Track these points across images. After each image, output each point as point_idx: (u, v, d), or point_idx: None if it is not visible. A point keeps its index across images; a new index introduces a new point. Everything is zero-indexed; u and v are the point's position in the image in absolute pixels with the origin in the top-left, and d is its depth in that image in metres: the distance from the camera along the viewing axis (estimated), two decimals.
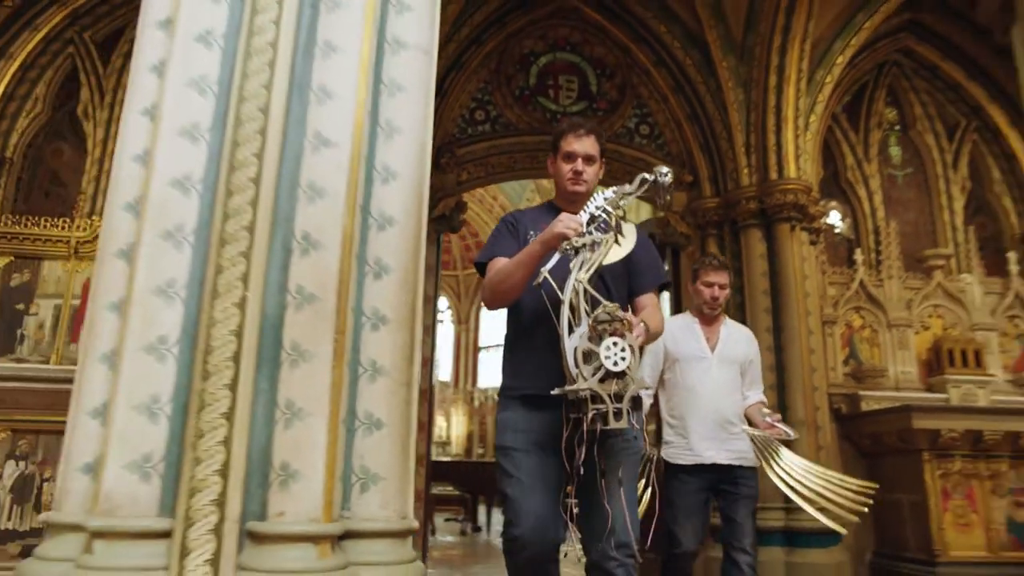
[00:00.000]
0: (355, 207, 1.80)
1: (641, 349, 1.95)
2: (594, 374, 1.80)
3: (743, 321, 5.08)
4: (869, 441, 5.28)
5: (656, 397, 3.31)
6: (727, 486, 3.13)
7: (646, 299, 2.24)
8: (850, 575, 4.81)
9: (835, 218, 6.42)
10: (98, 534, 1.51)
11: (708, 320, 3.29)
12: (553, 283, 1.92)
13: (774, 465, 3.10)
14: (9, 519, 3.96)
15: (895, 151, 6.56)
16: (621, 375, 1.80)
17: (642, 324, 1.93)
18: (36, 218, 4.84)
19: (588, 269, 1.92)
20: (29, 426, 4.11)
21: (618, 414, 1.78)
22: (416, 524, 1.83)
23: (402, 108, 1.99)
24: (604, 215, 2.01)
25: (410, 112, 2.00)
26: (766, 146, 5.41)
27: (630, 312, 2.09)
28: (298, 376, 1.63)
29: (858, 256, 5.87)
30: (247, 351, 1.60)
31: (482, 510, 9.58)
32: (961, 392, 5.46)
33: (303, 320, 1.67)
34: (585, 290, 1.89)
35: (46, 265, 4.86)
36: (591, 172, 2.26)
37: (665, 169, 2.06)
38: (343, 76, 1.87)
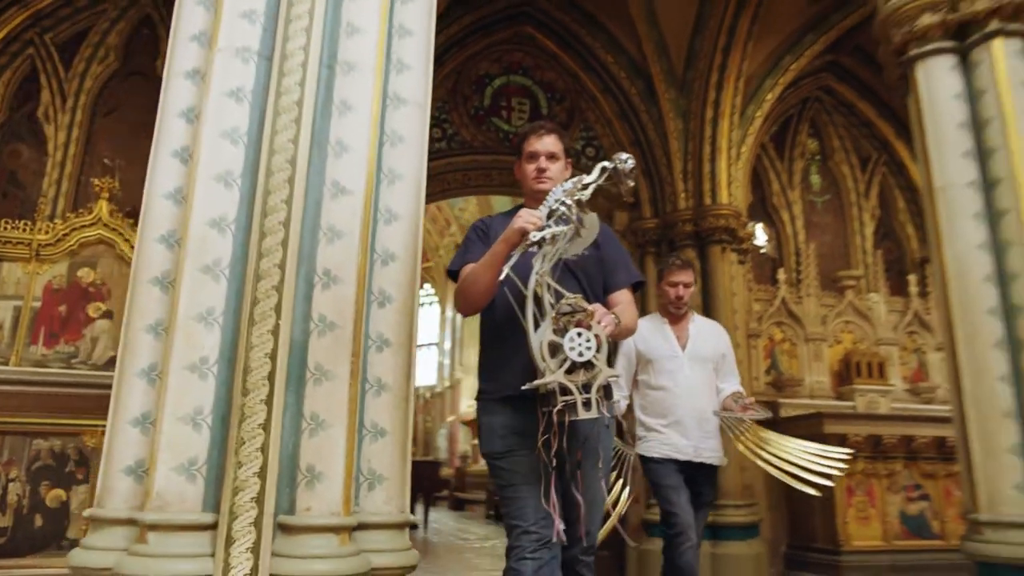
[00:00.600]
0: (367, 246, 2.10)
1: (614, 343, 1.98)
2: (561, 366, 1.81)
3: None
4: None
5: (631, 398, 3.35)
6: (695, 486, 3.18)
7: (620, 296, 2.24)
8: (767, 565, 5.33)
9: (761, 238, 6.99)
10: (152, 527, 1.78)
11: (676, 319, 3.34)
12: (516, 279, 1.96)
13: (744, 440, 3.28)
14: None
15: (816, 179, 7.18)
16: (588, 365, 1.81)
17: (611, 315, 1.95)
18: None
19: (549, 261, 1.93)
20: None
21: (587, 404, 1.79)
22: (413, 517, 2.15)
23: (402, 157, 2.29)
24: (563, 208, 1.99)
25: (409, 160, 2.31)
26: (702, 173, 5.90)
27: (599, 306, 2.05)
28: (321, 392, 1.93)
29: (780, 275, 6.44)
30: (280, 371, 1.88)
31: (419, 508, 9.83)
32: (866, 400, 6.08)
33: (325, 345, 1.96)
34: (549, 284, 1.91)
35: (6, 267, 4.90)
36: (555, 169, 2.27)
37: (625, 155, 2.07)
38: (357, 131, 2.16)
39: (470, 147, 6.09)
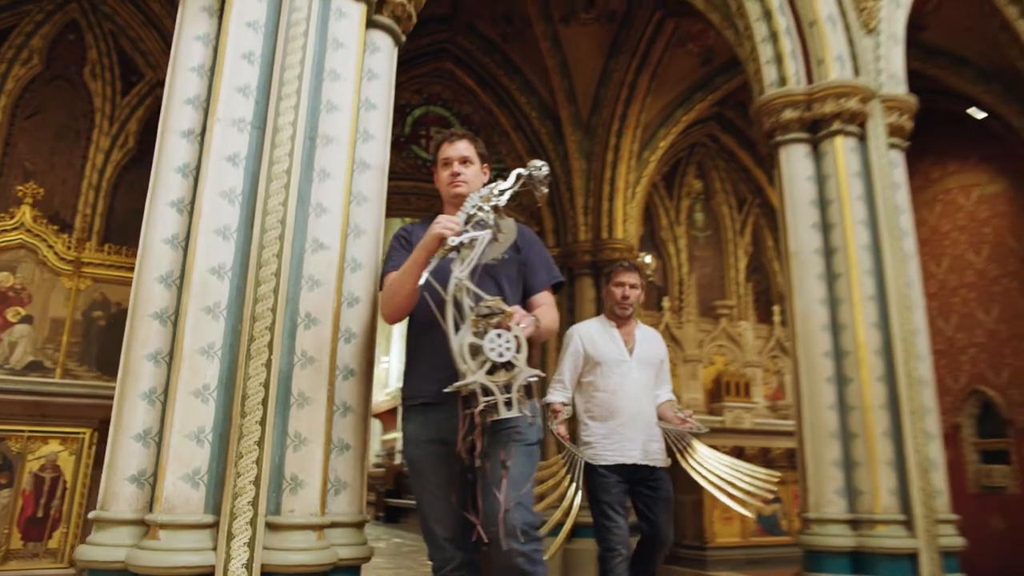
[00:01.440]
0: (339, 292, 2.53)
1: (531, 341, 2.00)
2: (482, 367, 1.85)
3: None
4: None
5: (574, 401, 3.35)
6: (646, 488, 3.18)
7: (540, 297, 2.27)
8: None
9: (648, 261, 7.75)
10: (162, 526, 2.14)
11: (622, 322, 3.36)
12: (436, 284, 2.01)
13: (688, 458, 3.26)
14: None
15: (699, 216, 8.05)
16: (509, 365, 1.86)
17: (530, 317, 1.99)
18: None
19: (467, 266, 1.96)
20: None
21: (508, 403, 1.84)
22: (367, 517, 2.59)
23: (366, 214, 2.74)
24: (480, 213, 2.02)
25: (371, 217, 2.76)
26: (600, 210, 6.58)
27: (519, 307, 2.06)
28: (303, 415, 2.34)
29: (665, 303, 7.22)
30: (271, 397, 2.29)
31: None
32: (733, 416, 6.94)
33: (306, 375, 2.38)
34: (468, 288, 1.94)
35: None
36: (469, 173, 2.31)
37: (540, 163, 2.14)
38: (333, 195, 2.59)
39: (392, 173, 6.45)
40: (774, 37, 4.04)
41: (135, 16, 5.72)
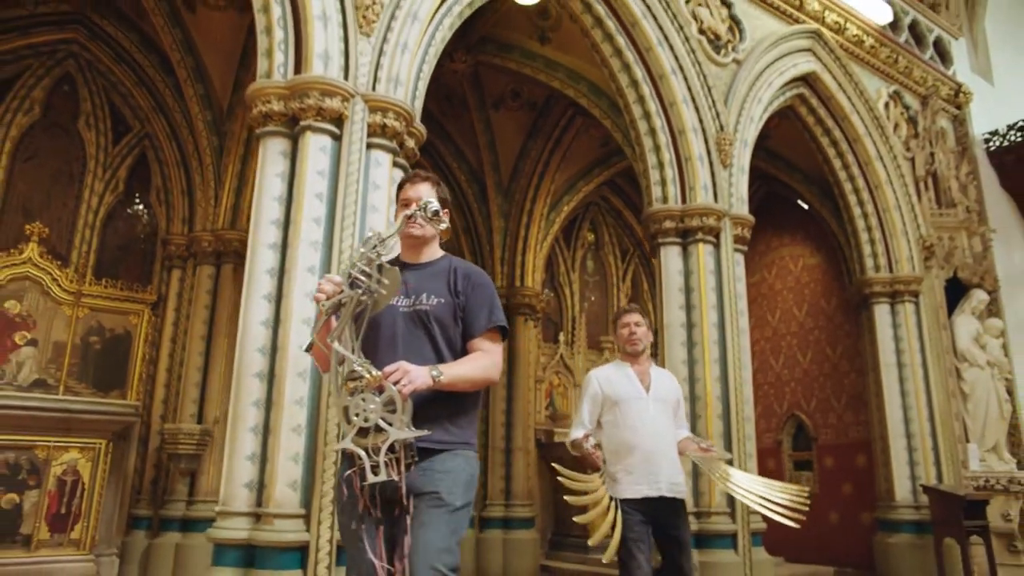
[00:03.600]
0: None
1: (459, 393, 2.02)
2: (353, 431, 1.85)
3: None
4: (558, 460, 8.03)
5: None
6: (669, 527, 3.27)
7: (475, 343, 2.15)
8: (540, 546, 7.51)
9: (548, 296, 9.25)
10: (275, 516, 3.32)
11: (636, 362, 3.44)
12: (324, 347, 1.97)
13: (726, 481, 3.35)
14: None
15: (590, 264, 9.65)
16: (379, 428, 1.82)
17: (418, 372, 1.90)
18: None
19: (339, 329, 1.92)
20: None
21: (375, 468, 1.81)
22: None
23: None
24: (360, 275, 1.95)
25: None
26: (515, 262, 8.00)
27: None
28: None
29: (561, 337, 8.75)
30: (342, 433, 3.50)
31: None
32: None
33: None
34: (337, 351, 1.91)
35: None
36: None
37: (425, 200, 2.17)
38: None
39: None
40: (660, 167, 5.61)
41: (128, 75, 6.54)
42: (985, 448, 6.92)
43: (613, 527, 3.18)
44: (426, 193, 2.26)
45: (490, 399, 7.79)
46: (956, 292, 7.46)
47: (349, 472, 1.94)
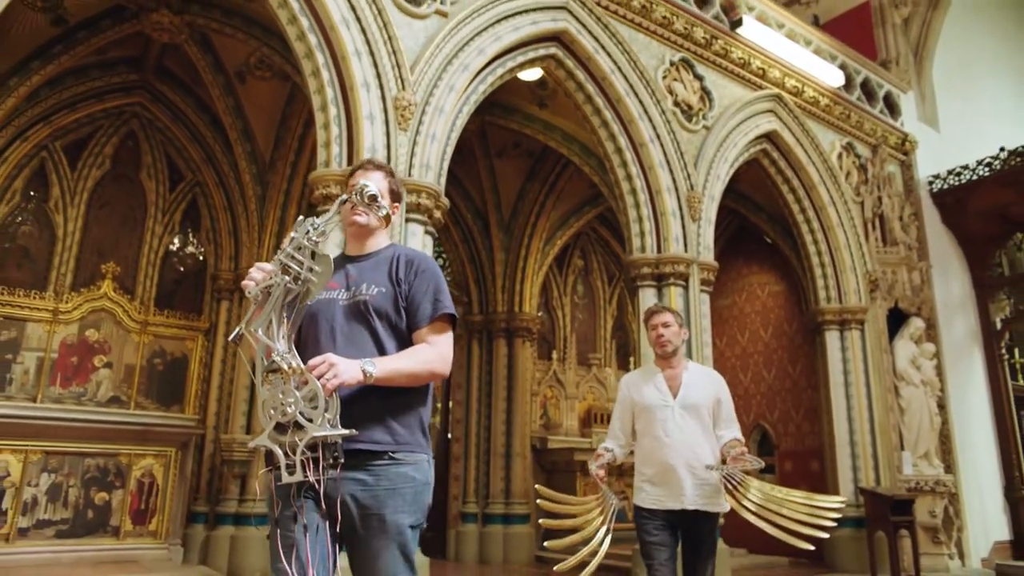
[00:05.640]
0: None
1: (403, 389, 1.90)
2: (271, 426, 1.74)
3: (488, 394, 8.67)
4: (550, 464, 9.19)
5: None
6: (692, 535, 3.17)
7: (421, 334, 2.00)
8: (535, 540, 8.60)
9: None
10: None
11: (669, 365, 3.30)
12: (252, 338, 1.83)
13: (741, 499, 3.07)
14: (45, 512, 5.88)
15: (580, 288, 10.76)
16: (298, 425, 1.71)
17: (348, 366, 1.77)
18: (16, 290, 6.53)
19: (264, 319, 1.81)
20: (58, 449, 6.04)
21: (291, 468, 1.70)
22: None
23: None
24: (292, 263, 1.83)
25: None
26: (514, 290, 9.09)
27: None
28: None
29: (554, 355, 9.84)
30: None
31: None
32: (597, 439, 9.66)
33: None
34: (261, 340, 1.80)
35: (30, 326, 6.58)
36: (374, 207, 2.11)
37: (361, 183, 2.05)
38: None
39: None
40: (639, 221, 6.72)
41: (183, 132, 7.59)
42: (917, 455, 8.07)
43: (593, 554, 3.11)
44: (375, 181, 2.13)
45: (492, 410, 8.89)
46: (897, 319, 8.60)
47: (264, 471, 1.83)
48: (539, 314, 9.83)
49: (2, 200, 6.75)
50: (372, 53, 5.16)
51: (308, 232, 1.87)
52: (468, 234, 9.21)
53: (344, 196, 2.04)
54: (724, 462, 3.17)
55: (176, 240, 7.60)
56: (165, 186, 7.59)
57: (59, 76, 6.62)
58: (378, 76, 5.16)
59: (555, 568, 3.24)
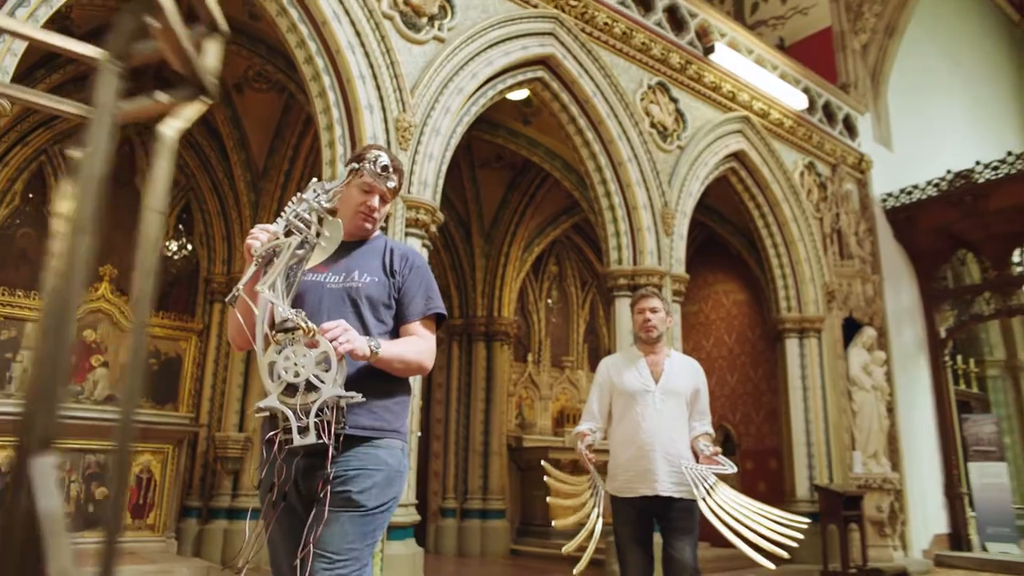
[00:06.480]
0: None
1: (391, 376, 1.89)
2: (280, 388, 1.70)
3: (468, 394, 9.07)
4: (525, 463, 9.62)
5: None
6: (665, 521, 3.13)
7: (411, 328, 2.01)
8: (509, 533, 9.03)
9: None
10: None
11: (652, 351, 3.28)
12: (249, 300, 1.80)
13: (708, 500, 3.00)
14: None
15: (555, 293, 11.21)
16: (312, 387, 1.69)
17: (356, 335, 1.78)
18: (16, 291, 6.74)
19: (272, 276, 1.77)
20: (58, 446, 6.26)
21: (303, 430, 1.67)
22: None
23: None
24: (300, 223, 1.81)
25: None
26: (493, 295, 9.50)
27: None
28: None
29: (529, 357, 10.28)
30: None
31: None
32: (569, 438, 10.12)
33: None
34: (270, 301, 1.77)
35: (28, 326, 6.78)
36: (383, 212, 2.11)
37: (375, 153, 2.00)
38: None
39: None
40: (617, 235, 7.18)
41: (179, 139, 7.81)
42: (867, 455, 8.70)
43: (590, 537, 3.06)
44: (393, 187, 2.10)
45: (470, 410, 9.30)
46: (851, 328, 9.22)
47: (271, 434, 1.77)
48: (515, 318, 10.26)
49: (2, 203, 6.93)
50: (375, 76, 5.52)
51: (318, 195, 1.85)
52: (450, 241, 9.58)
53: (355, 164, 2.03)
54: (697, 459, 3.17)
55: (171, 244, 7.83)
56: None
57: (62, 84, 6.83)
58: (380, 99, 5.52)
59: (563, 550, 3.30)
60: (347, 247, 2.04)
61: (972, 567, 8.88)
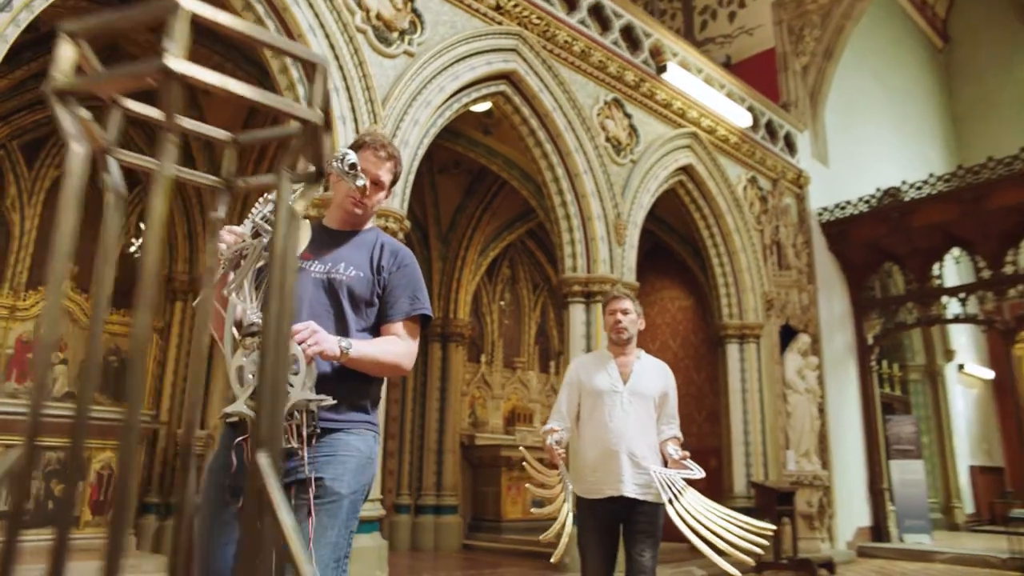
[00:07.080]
0: None
1: (365, 377, 1.86)
2: (247, 393, 1.65)
3: (423, 394, 9.32)
4: (477, 460, 9.92)
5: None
6: (629, 523, 3.13)
7: (393, 328, 1.98)
8: (463, 528, 9.32)
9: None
10: None
11: (622, 353, 3.30)
12: (218, 304, 1.78)
13: (675, 504, 2.99)
14: (5, 504, 6.11)
15: (507, 295, 11.53)
16: None
17: (326, 336, 1.74)
18: None
19: (238, 279, 1.75)
20: (17, 443, 6.26)
21: None
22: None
23: None
24: (267, 224, 1.75)
25: None
26: (449, 297, 9.77)
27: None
28: None
29: (482, 358, 10.58)
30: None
31: None
32: (521, 435, 10.46)
33: None
34: (236, 304, 1.74)
35: None
36: (377, 199, 2.06)
37: (341, 152, 1.88)
38: None
39: None
40: (572, 244, 7.54)
41: (140, 136, 7.85)
42: (800, 453, 9.30)
43: (563, 528, 3.08)
44: (385, 174, 2.08)
45: (426, 409, 9.55)
46: (787, 335, 9.81)
47: (240, 440, 1.73)
48: (470, 320, 10.54)
49: None
50: (348, 89, 5.73)
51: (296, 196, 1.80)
52: (408, 244, 9.77)
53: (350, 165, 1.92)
54: (666, 463, 3.15)
55: (132, 242, 7.85)
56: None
57: (24, 80, 6.81)
58: (353, 111, 5.73)
59: (540, 538, 3.27)
60: (336, 236, 2.03)
61: (891, 556, 9.60)
